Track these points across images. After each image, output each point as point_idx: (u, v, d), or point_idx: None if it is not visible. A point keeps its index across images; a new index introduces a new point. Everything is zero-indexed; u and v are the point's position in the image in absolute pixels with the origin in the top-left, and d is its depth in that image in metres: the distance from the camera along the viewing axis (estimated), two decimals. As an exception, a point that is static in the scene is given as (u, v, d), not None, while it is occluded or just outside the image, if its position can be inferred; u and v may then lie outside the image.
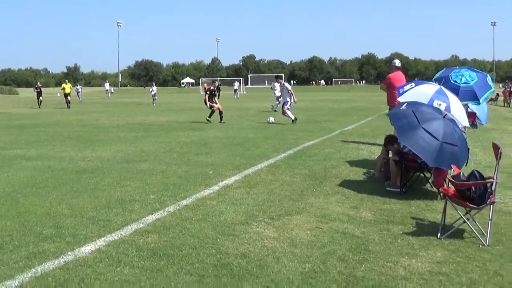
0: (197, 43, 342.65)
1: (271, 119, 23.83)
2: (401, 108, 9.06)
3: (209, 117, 23.55)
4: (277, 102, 31.85)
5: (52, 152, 14.20)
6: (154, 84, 52.92)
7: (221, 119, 23.55)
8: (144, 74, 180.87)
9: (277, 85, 30.90)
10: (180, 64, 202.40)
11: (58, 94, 75.23)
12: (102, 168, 11.43)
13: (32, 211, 7.63)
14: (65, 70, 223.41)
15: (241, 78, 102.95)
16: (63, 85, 44.78)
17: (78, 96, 56.55)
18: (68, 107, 41.40)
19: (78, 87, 59.77)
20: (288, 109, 23.28)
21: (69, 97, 43.21)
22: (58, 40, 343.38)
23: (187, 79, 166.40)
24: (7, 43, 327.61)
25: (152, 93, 48.24)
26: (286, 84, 24.19)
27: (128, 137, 17.99)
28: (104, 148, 14.78)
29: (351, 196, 8.56)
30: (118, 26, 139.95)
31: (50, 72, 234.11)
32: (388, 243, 6.19)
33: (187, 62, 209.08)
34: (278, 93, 31.24)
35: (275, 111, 31.18)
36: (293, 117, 22.89)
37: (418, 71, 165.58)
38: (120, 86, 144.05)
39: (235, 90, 68.07)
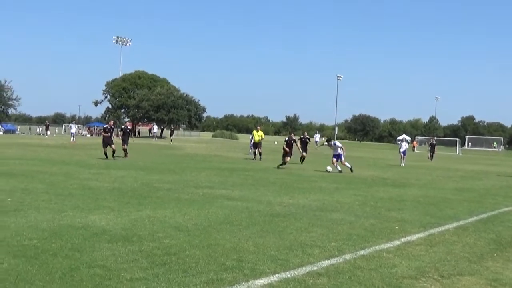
0: (415, 101, 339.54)
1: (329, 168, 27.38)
2: None
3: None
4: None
5: (253, 195, 15.27)
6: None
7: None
8: (361, 128, 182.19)
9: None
10: (397, 120, 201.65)
11: (276, 142, 78.56)
12: (295, 213, 12.13)
13: (221, 244, 8.46)
14: (285, 120, 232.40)
15: (458, 139, 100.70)
16: (254, 132, 36.24)
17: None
18: (259, 158, 34.53)
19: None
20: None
21: (260, 149, 34.90)
22: (280, 90, 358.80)
23: (404, 136, 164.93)
24: (232, 91, 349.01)
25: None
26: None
27: (328, 187, 18.67)
28: (302, 196, 15.54)
29: (533, 265, 8.36)
30: (338, 79, 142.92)
31: (270, 120, 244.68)
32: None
33: (404, 119, 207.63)
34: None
35: None
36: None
37: None
38: (336, 139, 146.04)
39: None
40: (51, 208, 11.34)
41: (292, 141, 30.51)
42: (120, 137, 32.51)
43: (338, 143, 28.65)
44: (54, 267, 6.70)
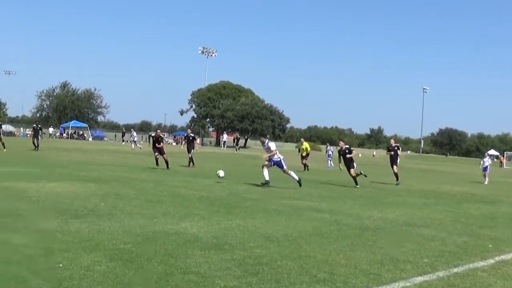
0: (504, 115, 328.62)
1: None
2: None
3: None
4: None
5: (341, 207, 15.18)
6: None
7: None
8: (447, 142, 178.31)
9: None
10: (485, 135, 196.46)
11: (360, 155, 77.81)
12: (384, 228, 11.98)
13: (312, 256, 8.45)
14: (369, 132, 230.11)
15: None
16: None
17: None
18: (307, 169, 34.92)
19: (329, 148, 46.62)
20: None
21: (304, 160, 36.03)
22: (364, 102, 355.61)
23: (492, 151, 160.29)
24: (316, 102, 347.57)
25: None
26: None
27: (416, 202, 18.34)
28: (390, 210, 15.33)
29: None
30: (424, 92, 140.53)
31: (354, 132, 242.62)
32: None
33: (492, 133, 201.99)
34: None
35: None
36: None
37: None
38: (422, 153, 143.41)
39: None
40: (143, 214, 11.61)
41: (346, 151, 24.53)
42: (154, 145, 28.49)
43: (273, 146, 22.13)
44: (150, 272, 6.87)
